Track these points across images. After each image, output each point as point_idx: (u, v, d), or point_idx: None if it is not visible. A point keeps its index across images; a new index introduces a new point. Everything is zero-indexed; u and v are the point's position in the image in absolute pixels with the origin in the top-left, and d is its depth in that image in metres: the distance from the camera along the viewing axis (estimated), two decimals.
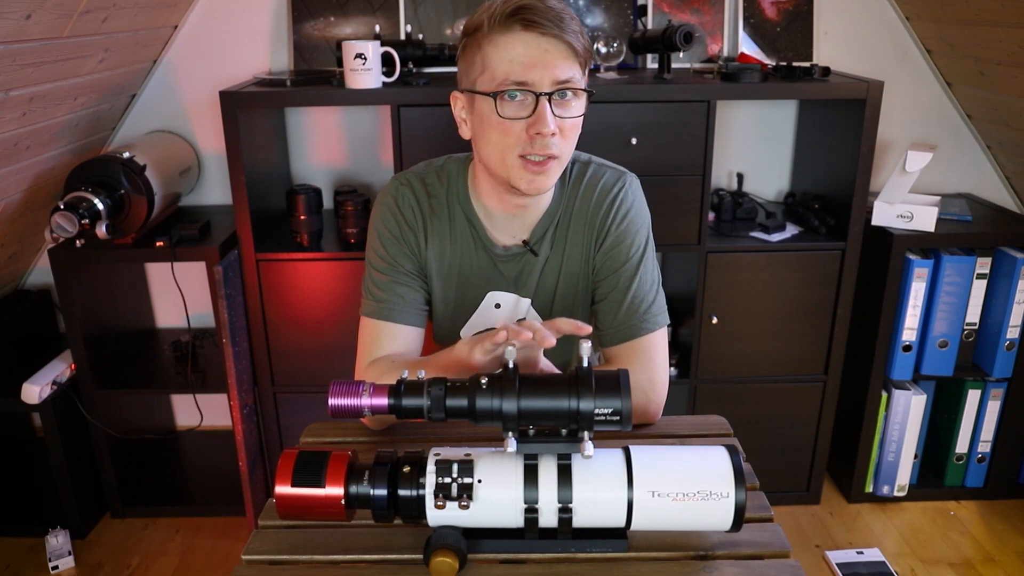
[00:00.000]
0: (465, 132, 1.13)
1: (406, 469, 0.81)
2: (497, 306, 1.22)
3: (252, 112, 1.94)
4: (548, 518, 0.80)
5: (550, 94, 1.03)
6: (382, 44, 1.87)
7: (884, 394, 2.15)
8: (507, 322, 1.22)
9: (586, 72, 1.08)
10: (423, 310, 1.20)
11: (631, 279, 1.16)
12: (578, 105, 1.07)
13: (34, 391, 1.98)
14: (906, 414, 2.15)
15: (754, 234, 2.06)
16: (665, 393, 1.13)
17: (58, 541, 2.03)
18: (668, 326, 1.19)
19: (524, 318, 1.23)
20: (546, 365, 1.00)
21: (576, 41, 1.03)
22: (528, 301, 1.22)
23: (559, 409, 0.79)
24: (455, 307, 1.23)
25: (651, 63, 2.18)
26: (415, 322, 1.18)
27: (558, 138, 1.05)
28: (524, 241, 1.19)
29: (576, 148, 1.25)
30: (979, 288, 2.06)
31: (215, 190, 2.32)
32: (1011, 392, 2.14)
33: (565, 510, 0.80)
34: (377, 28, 2.12)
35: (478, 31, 1.05)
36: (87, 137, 2.09)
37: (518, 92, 1.03)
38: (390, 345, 1.14)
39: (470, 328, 1.24)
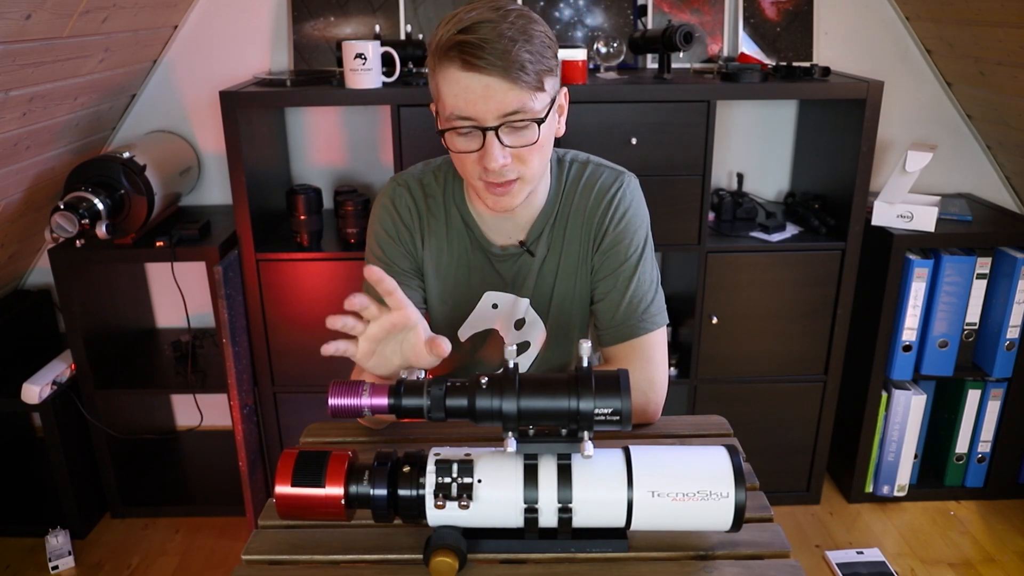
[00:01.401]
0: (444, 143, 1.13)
1: (406, 469, 0.81)
2: (494, 306, 1.22)
3: (252, 112, 1.94)
4: (548, 518, 0.80)
5: (497, 127, 1.00)
6: (382, 44, 1.87)
7: (884, 394, 2.15)
8: (505, 322, 1.23)
9: (548, 83, 1.02)
10: (420, 309, 1.20)
11: (629, 279, 1.16)
12: (533, 131, 1.02)
13: (34, 391, 1.98)
14: (906, 414, 2.15)
15: (754, 234, 2.06)
16: (664, 393, 1.13)
17: (58, 541, 2.03)
18: (668, 326, 1.19)
19: (523, 318, 1.23)
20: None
21: (523, 72, 0.97)
22: (526, 301, 1.22)
23: (559, 409, 0.79)
24: (452, 307, 1.23)
25: (651, 63, 2.18)
26: None
27: (514, 164, 1.03)
28: (520, 242, 1.19)
29: (577, 147, 1.25)
30: (979, 288, 2.06)
31: (215, 190, 2.32)
32: (1011, 392, 2.14)
33: (565, 510, 0.80)
34: (377, 28, 2.12)
35: (430, 54, 1.03)
36: (87, 137, 2.09)
37: (466, 127, 1.01)
38: None
39: (468, 328, 1.24)
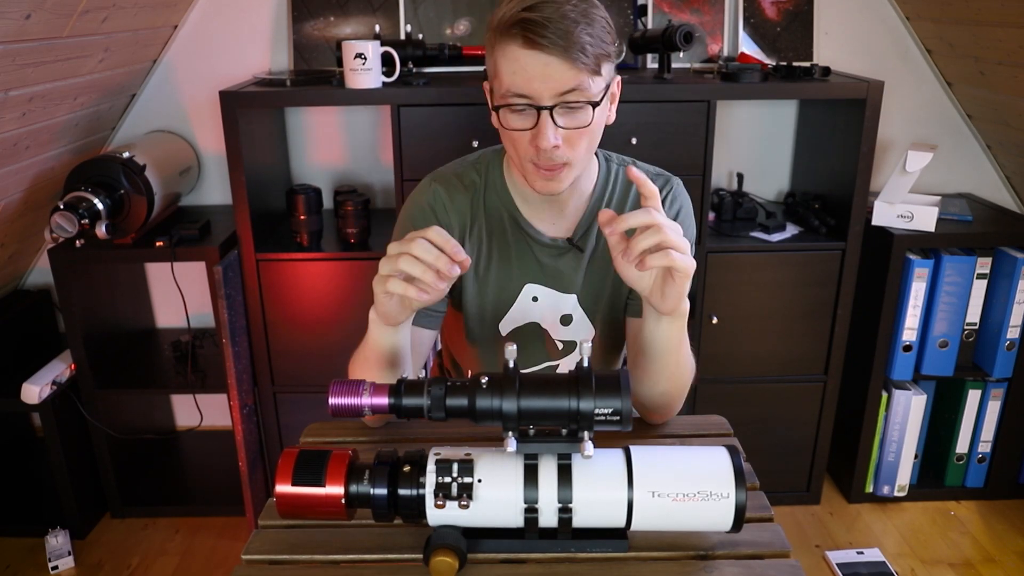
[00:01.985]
0: (495, 121, 1.13)
1: (406, 468, 0.81)
2: (535, 299, 1.21)
3: (252, 112, 1.94)
4: (548, 518, 0.80)
5: (552, 107, 1.01)
6: (382, 44, 1.87)
7: (884, 394, 2.15)
8: (549, 317, 1.22)
9: (605, 68, 1.03)
10: (434, 313, 1.19)
11: None
12: (587, 113, 1.03)
13: (34, 391, 1.98)
14: (906, 414, 2.15)
15: (754, 234, 2.06)
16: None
17: (58, 541, 2.03)
18: None
19: (570, 315, 1.22)
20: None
21: (583, 53, 0.98)
22: (573, 297, 1.21)
23: (559, 409, 0.79)
24: (494, 301, 1.22)
25: (651, 63, 2.18)
26: (424, 323, 1.17)
27: (565, 148, 1.03)
28: (568, 238, 1.18)
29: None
30: (979, 288, 2.06)
31: (215, 190, 2.32)
32: (1011, 392, 2.14)
33: (565, 510, 0.80)
34: (377, 28, 2.12)
35: (491, 30, 1.04)
36: (87, 137, 2.09)
37: (522, 105, 1.02)
38: None
39: (509, 323, 1.22)
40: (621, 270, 0.97)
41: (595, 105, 1.02)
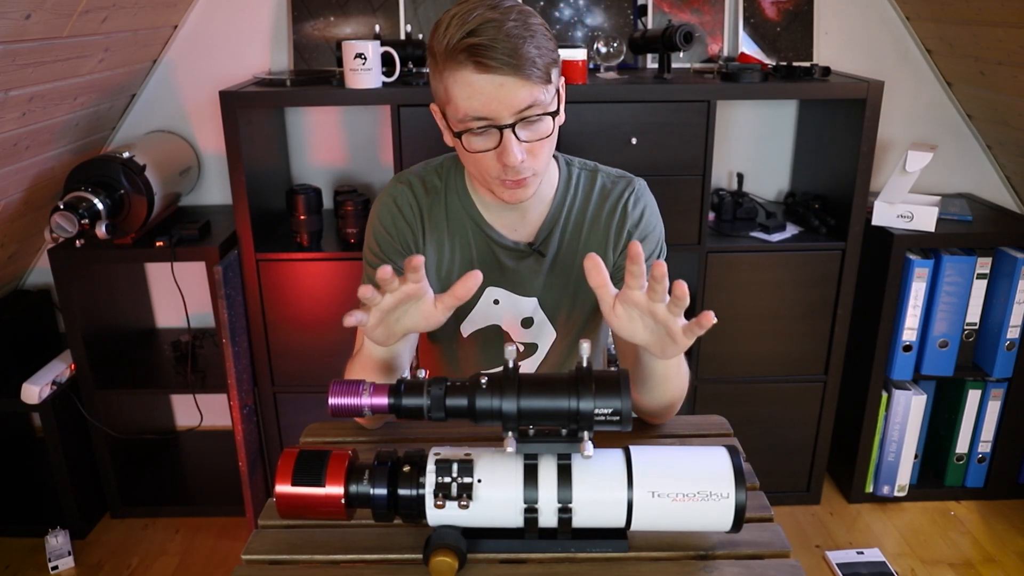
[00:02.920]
0: (448, 140, 1.14)
1: (406, 468, 0.81)
2: (496, 302, 1.22)
3: (252, 112, 1.94)
4: (548, 518, 0.80)
5: (513, 124, 1.02)
6: (382, 44, 1.87)
7: (884, 394, 2.15)
8: (510, 320, 1.23)
9: (553, 75, 1.04)
10: None
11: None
12: (547, 123, 1.05)
13: (34, 391, 1.98)
14: (906, 414, 2.15)
15: (754, 234, 2.06)
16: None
17: (58, 541, 2.03)
18: None
19: (531, 318, 1.23)
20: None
21: (534, 67, 0.99)
22: (534, 301, 1.22)
23: (559, 409, 0.79)
24: None
25: (651, 63, 2.18)
26: None
27: (529, 160, 1.05)
28: (530, 243, 1.19)
29: (577, 147, 1.25)
30: (979, 288, 2.06)
31: (215, 190, 2.32)
32: (1011, 392, 2.14)
33: (565, 510, 0.80)
34: (377, 28, 2.12)
35: (436, 57, 1.03)
36: (87, 137, 2.09)
37: (482, 126, 1.02)
38: None
39: (470, 324, 1.24)
40: (613, 322, 0.93)
41: (554, 115, 1.05)
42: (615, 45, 1.99)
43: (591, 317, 1.24)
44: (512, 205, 1.15)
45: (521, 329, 1.24)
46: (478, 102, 1.00)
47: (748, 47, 2.18)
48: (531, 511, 0.80)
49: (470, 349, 1.26)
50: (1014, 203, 2.36)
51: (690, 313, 0.89)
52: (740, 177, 2.21)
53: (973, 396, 2.15)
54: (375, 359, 1.03)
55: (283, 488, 0.79)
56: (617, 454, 0.83)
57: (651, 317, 0.90)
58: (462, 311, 1.24)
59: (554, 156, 1.21)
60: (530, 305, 1.22)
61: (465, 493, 0.79)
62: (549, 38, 1.04)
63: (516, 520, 0.81)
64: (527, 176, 1.07)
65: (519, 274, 1.21)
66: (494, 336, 1.25)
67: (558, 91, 1.07)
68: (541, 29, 1.03)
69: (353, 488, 0.80)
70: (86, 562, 2.05)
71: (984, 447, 2.20)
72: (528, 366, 1.27)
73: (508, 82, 0.99)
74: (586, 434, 0.79)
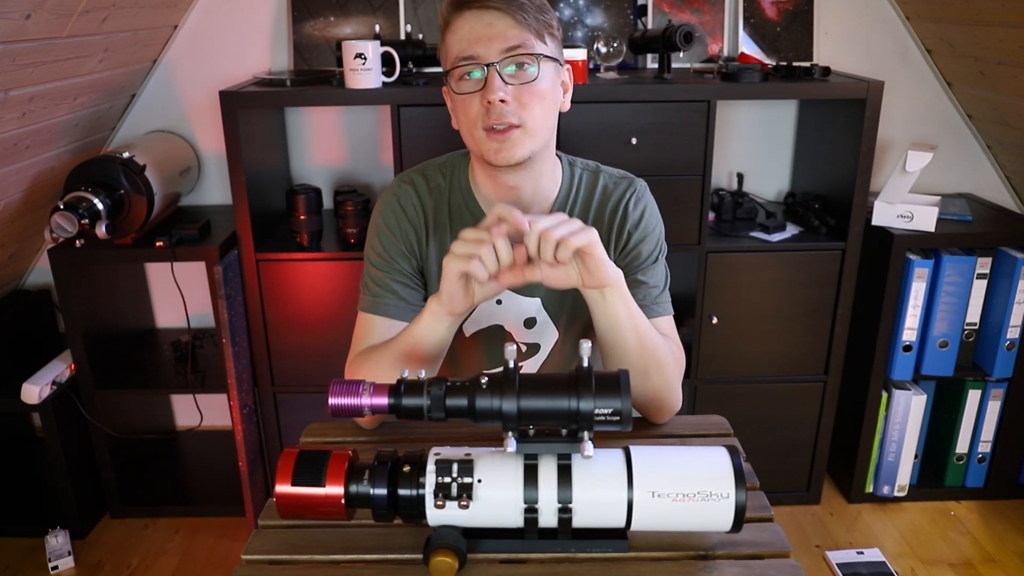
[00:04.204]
0: (454, 122, 1.15)
1: (406, 469, 0.81)
2: (499, 302, 1.22)
3: (252, 112, 1.94)
4: (548, 518, 0.80)
5: (499, 62, 1.05)
6: (382, 44, 1.87)
7: (884, 394, 2.15)
8: (513, 320, 1.23)
9: (549, 42, 1.09)
10: (418, 308, 1.20)
11: (650, 268, 1.19)
12: (534, 68, 1.07)
13: (34, 391, 1.98)
14: (906, 414, 2.15)
15: (754, 234, 2.06)
16: (683, 368, 1.16)
17: (58, 541, 2.03)
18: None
19: (534, 318, 1.23)
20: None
21: (523, 11, 1.04)
22: (537, 301, 1.22)
23: (559, 409, 0.79)
24: None
25: (651, 63, 2.18)
26: (408, 319, 1.18)
27: (515, 106, 1.06)
28: None
29: (577, 147, 1.25)
30: (979, 288, 2.06)
31: (215, 190, 2.32)
32: (1011, 392, 2.14)
33: (565, 510, 0.80)
34: (377, 28, 2.12)
35: (441, 22, 1.10)
36: (87, 137, 2.09)
37: (469, 66, 1.06)
38: (381, 340, 1.14)
39: (473, 324, 1.24)
40: (550, 282, 1.00)
41: (541, 58, 1.07)
42: (615, 45, 1.99)
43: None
44: (511, 200, 1.15)
45: (524, 329, 1.24)
46: (466, 41, 1.05)
47: (748, 47, 2.18)
48: (531, 511, 0.80)
49: (473, 349, 1.26)
50: (1014, 203, 2.36)
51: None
52: (740, 177, 2.21)
53: (973, 396, 2.15)
54: (426, 343, 1.04)
55: (283, 488, 0.79)
56: (617, 454, 0.83)
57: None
58: None
59: (557, 156, 1.21)
60: (533, 305, 1.22)
61: (465, 493, 0.79)
62: (548, 10, 1.09)
63: (516, 520, 0.81)
64: (513, 125, 1.06)
65: None
66: (497, 336, 1.25)
67: (557, 63, 1.10)
68: (542, 1, 1.08)
69: (353, 488, 0.80)
70: (86, 562, 2.05)
71: (984, 447, 2.20)
72: (530, 366, 1.27)
73: (496, 20, 1.04)
74: (586, 434, 0.79)
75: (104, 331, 2.15)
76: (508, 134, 1.07)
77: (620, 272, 1.03)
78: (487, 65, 1.04)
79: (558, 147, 1.22)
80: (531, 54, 1.05)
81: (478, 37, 1.04)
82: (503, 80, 1.05)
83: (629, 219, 1.20)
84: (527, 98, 1.06)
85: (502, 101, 1.04)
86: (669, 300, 1.20)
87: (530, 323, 1.24)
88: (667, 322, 1.18)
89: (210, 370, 2.16)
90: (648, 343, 1.07)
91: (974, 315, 2.09)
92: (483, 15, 1.04)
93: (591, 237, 0.96)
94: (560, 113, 1.15)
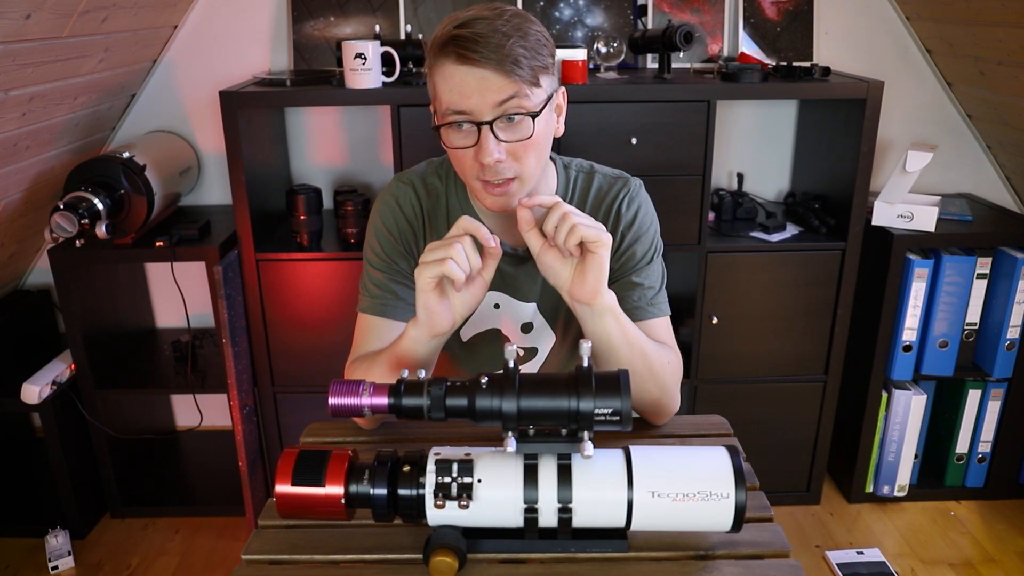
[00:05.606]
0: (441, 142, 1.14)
1: (406, 468, 0.81)
2: (496, 306, 1.22)
3: (252, 112, 1.94)
4: (548, 518, 0.80)
5: (492, 121, 1.00)
6: (382, 44, 1.87)
7: (884, 394, 2.15)
8: (510, 324, 1.23)
9: (544, 80, 1.03)
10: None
11: (644, 268, 1.18)
12: (527, 125, 1.02)
13: (34, 391, 1.98)
14: (906, 414, 2.15)
15: (754, 234, 2.06)
16: (681, 371, 1.15)
17: (58, 541, 2.03)
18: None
19: (531, 322, 1.23)
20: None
21: (517, 65, 0.98)
22: (533, 306, 1.22)
23: (559, 409, 0.79)
24: None
25: (651, 63, 2.18)
26: (408, 319, 1.18)
27: (510, 162, 1.03)
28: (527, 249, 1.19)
29: (577, 147, 1.25)
30: (979, 288, 2.06)
31: (215, 190, 2.32)
32: (1011, 392, 2.14)
33: (565, 510, 0.80)
34: (377, 28, 2.12)
35: (428, 54, 1.04)
36: (87, 137, 2.09)
37: (461, 122, 1.02)
38: (382, 341, 1.14)
39: (470, 328, 1.24)
40: (543, 266, 1.02)
41: (535, 116, 1.02)
42: (615, 45, 1.99)
43: None
44: (503, 215, 1.14)
45: (521, 334, 1.24)
46: (457, 94, 1.00)
47: (748, 47, 2.18)
48: (531, 511, 0.80)
49: (470, 353, 1.26)
50: (1014, 203, 2.36)
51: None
52: (740, 177, 2.21)
53: (973, 396, 2.15)
54: (414, 358, 1.04)
55: (283, 488, 0.79)
56: (617, 454, 0.83)
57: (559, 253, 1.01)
58: None
59: (552, 159, 1.20)
60: (529, 310, 1.22)
61: (465, 493, 0.79)
62: (544, 44, 1.03)
63: (516, 520, 0.81)
64: (509, 179, 1.05)
65: (518, 279, 1.21)
66: (494, 340, 1.25)
67: (551, 98, 1.05)
68: (536, 35, 1.02)
69: (353, 488, 0.80)
70: (86, 562, 2.05)
71: (984, 447, 2.20)
72: (528, 370, 1.27)
73: (489, 76, 0.98)
74: (586, 434, 0.79)
75: (104, 331, 2.15)
76: (506, 187, 1.05)
77: (614, 295, 1.03)
78: (479, 124, 1.00)
79: (556, 151, 1.21)
80: (526, 112, 1.00)
81: (469, 92, 0.99)
82: (497, 138, 1.01)
83: (622, 220, 1.19)
84: (522, 152, 1.04)
85: (497, 161, 1.02)
86: (666, 300, 1.19)
87: (527, 327, 1.24)
88: (663, 323, 1.18)
89: (210, 370, 2.16)
90: (644, 356, 1.06)
91: (974, 315, 2.09)
92: (475, 71, 0.98)
93: (603, 238, 0.97)
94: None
